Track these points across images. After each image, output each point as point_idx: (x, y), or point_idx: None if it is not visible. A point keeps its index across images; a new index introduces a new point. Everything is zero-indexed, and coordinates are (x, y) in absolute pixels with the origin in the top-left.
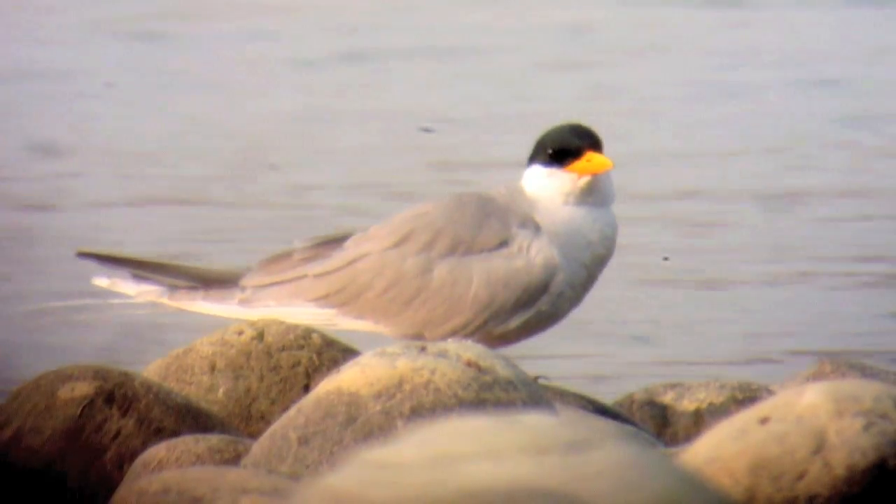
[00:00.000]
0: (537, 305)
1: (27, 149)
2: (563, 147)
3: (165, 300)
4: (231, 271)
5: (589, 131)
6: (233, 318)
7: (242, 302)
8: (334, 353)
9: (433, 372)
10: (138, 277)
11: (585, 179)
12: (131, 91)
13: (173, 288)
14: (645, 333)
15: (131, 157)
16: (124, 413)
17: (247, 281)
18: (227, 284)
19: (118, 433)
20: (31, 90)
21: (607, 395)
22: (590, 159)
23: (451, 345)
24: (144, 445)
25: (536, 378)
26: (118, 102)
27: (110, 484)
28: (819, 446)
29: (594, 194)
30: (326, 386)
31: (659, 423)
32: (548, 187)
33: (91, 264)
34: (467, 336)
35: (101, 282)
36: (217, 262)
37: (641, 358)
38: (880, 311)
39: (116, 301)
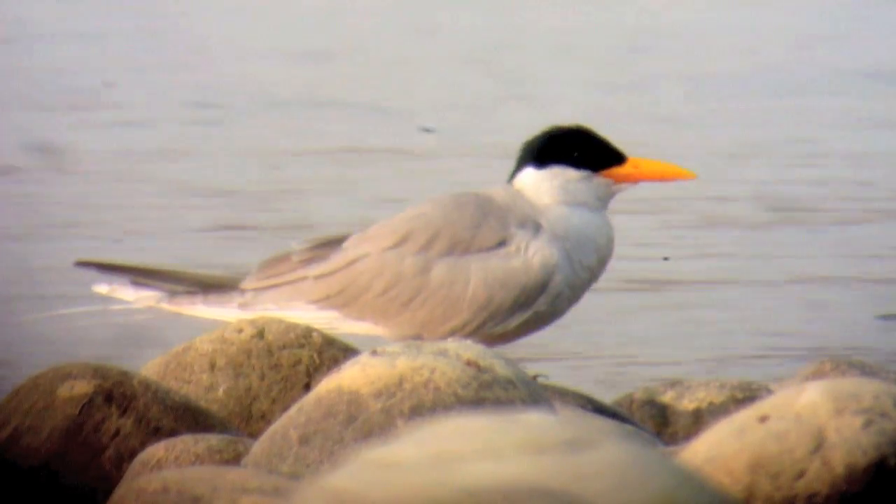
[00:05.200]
0: (535, 306)
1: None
2: (601, 152)
3: (165, 305)
4: (230, 275)
5: (600, 137)
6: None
7: (242, 305)
8: (335, 351)
9: (433, 371)
10: (138, 284)
11: (626, 185)
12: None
13: (173, 293)
14: (644, 332)
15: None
16: (123, 412)
17: (246, 284)
18: (227, 288)
19: (117, 432)
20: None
21: (607, 394)
22: (637, 165)
23: (451, 344)
24: (143, 444)
25: (536, 377)
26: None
27: (109, 483)
28: (818, 445)
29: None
30: (327, 385)
31: (659, 422)
32: (573, 191)
33: (91, 272)
34: (466, 337)
35: (101, 289)
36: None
37: (641, 357)
38: (879, 311)
39: (117, 307)
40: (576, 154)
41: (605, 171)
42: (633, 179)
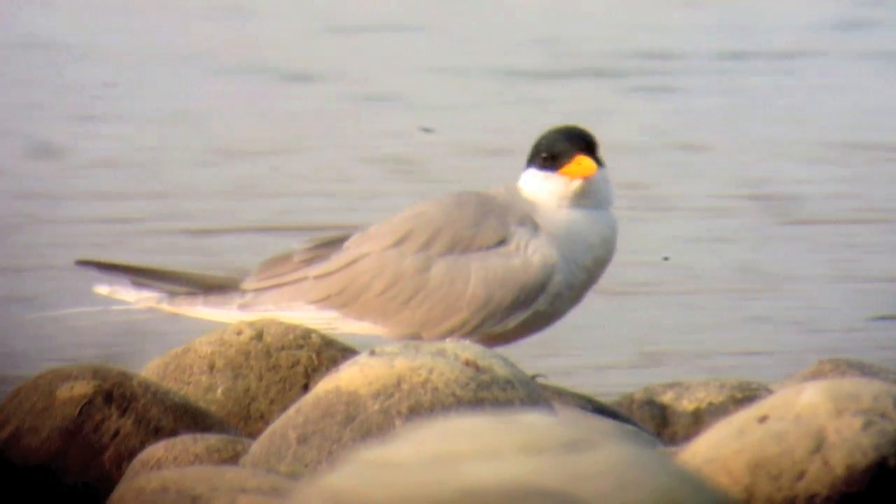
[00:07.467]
0: (535, 305)
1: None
2: (554, 150)
3: (165, 306)
4: (230, 276)
5: (581, 134)
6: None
7: (242, 306)
8: (333, 352)
9: (431, 371)
10: (138, 284)
11: (577, 182)
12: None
13: (173, 294)
14: (644, 332)
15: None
16: (123, 412)
17: (246, 285)
18: (227, 289)
19: (117, 432)
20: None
21: (607, 395)
22: (579, 162)
23: (449, 344)
24: (143, 445)
25: (535, 377)
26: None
27: (109, 483)
28: (818, 445)
29: (590, 197)
30: (325, 385)
31: (658, 422)
32: (543, 190)
33: (91, 272)
34: (465, 336)
35: (102, 289)
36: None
37: (641, 357)
38: (878, 311)
39: (117, 308)
40: (543, 155)
41: (561, 170)
42: (576, 175)
